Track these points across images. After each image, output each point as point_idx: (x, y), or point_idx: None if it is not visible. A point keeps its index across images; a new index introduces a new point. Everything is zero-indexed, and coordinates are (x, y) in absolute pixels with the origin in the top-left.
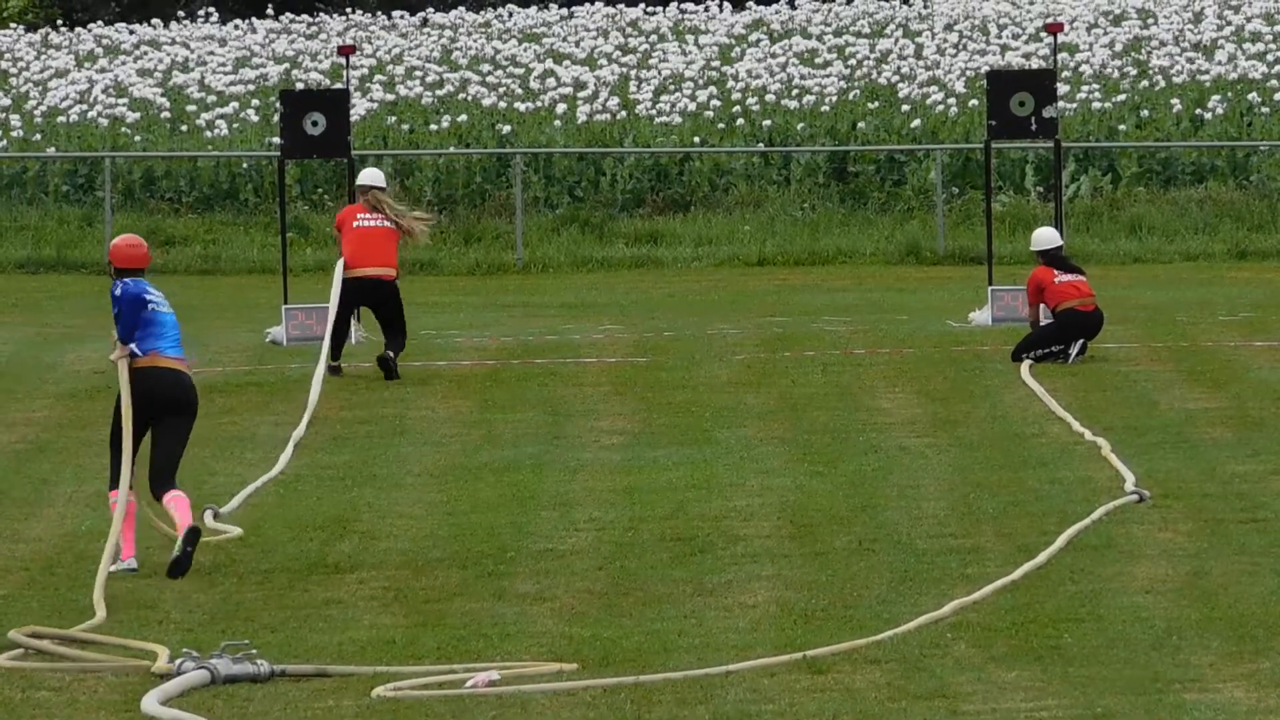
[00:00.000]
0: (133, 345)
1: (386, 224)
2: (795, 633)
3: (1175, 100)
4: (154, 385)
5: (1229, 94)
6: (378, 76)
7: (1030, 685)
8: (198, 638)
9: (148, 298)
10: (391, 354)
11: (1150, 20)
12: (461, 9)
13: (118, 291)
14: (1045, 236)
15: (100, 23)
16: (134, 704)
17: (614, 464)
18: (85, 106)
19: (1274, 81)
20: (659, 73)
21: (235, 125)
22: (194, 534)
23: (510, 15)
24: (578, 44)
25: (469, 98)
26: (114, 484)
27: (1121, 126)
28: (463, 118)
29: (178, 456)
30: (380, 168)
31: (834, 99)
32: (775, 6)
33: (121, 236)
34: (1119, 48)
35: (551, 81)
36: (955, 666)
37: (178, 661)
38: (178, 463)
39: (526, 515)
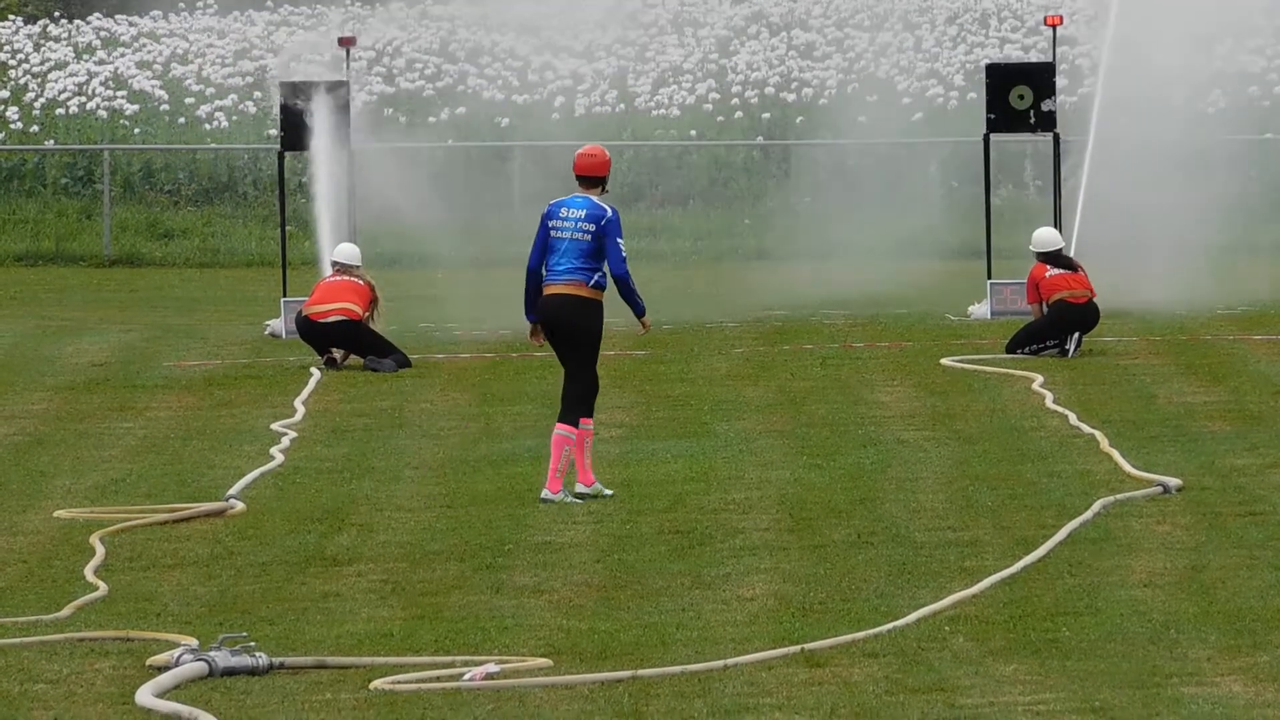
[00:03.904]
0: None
1: (355, 280)
2: (793, 626)
3: (1178, 94)
4: (546, 313)
5: (1229, 87)
6: (376, 68)
7: (1028, 679)
8: (196, 630)
9: (551, 225)
10: (387, 364)
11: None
12: (460, 0)
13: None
14: (1045, 238)
15: (99, 15)
16: (131, 696)
17: (612, 457)
18: (84, 99)
19: (1273, 75)
20: (658, 65)
21: (234, 118)
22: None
23: (509, 7)
24: (576, 36)
25: (468, 90)
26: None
27: (1123, 119)
28: (461, 110)
29: (579, 383)
30: (379, 160)
31: (833, 92)
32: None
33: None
34: (1119, 41)
35: (550, 74)
36: (953, 660)
37: (176, 654)
38: (580, 388)
39: (524, 508)
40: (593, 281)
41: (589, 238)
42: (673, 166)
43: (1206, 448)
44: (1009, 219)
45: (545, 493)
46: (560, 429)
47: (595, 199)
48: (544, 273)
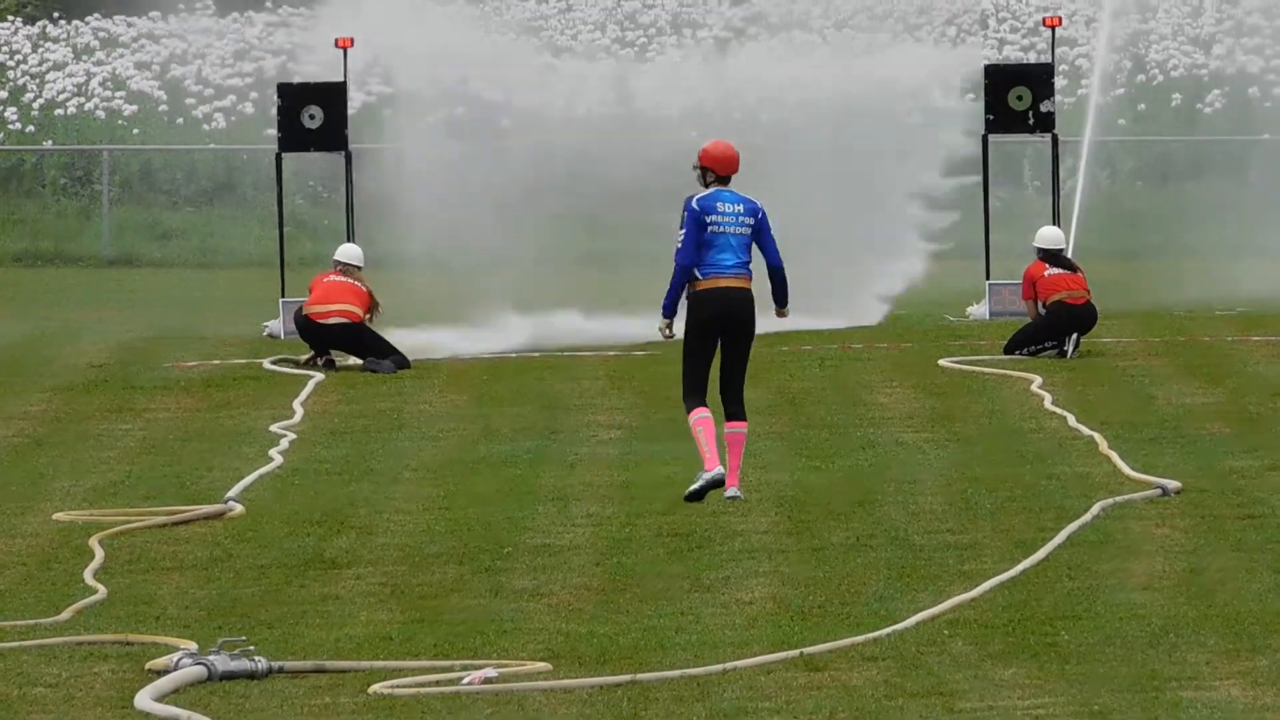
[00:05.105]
0: (695, 270)
1: (356, 282)
2: (792, 629)
3: (1176, 94)
4: (720, 306)
5: (1227, 88)
6: (375, 69)
7: (1027, 682)
8: (195, 633)
9: (708, 220)
10: (386, 365)
11: (1149, 15)
12: (460, 1)
13: (690, 208)
14: (1050, 235)
15: (97, 15)
16: (130, 700)
17: (611, 459)
18: (82, 99)
19: (1272, 75)
20: (657, 66)
21: (232, 118)
22: (717, 481)
23: (508, 8)
24: (575, 37)
25: (466, 91)
26: (689, 405)
27: (1121, 121)
28: (460, 110)
29: (741, 376)
30: (377, 162)
31: (832, 92)
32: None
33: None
34: (1118, 42)
35: (549, 74)
36: (952, 664)
37: (175, 657)
38: (742, 382)
39: (523, 510)
40: (751, 276)
41: (749, 231)
42: (672, 166)
43: (1205, 450)
44: (1007, 219)
45: (733, 490)
46: (737, 426)
47: (740, 193)
48: (699, 272)
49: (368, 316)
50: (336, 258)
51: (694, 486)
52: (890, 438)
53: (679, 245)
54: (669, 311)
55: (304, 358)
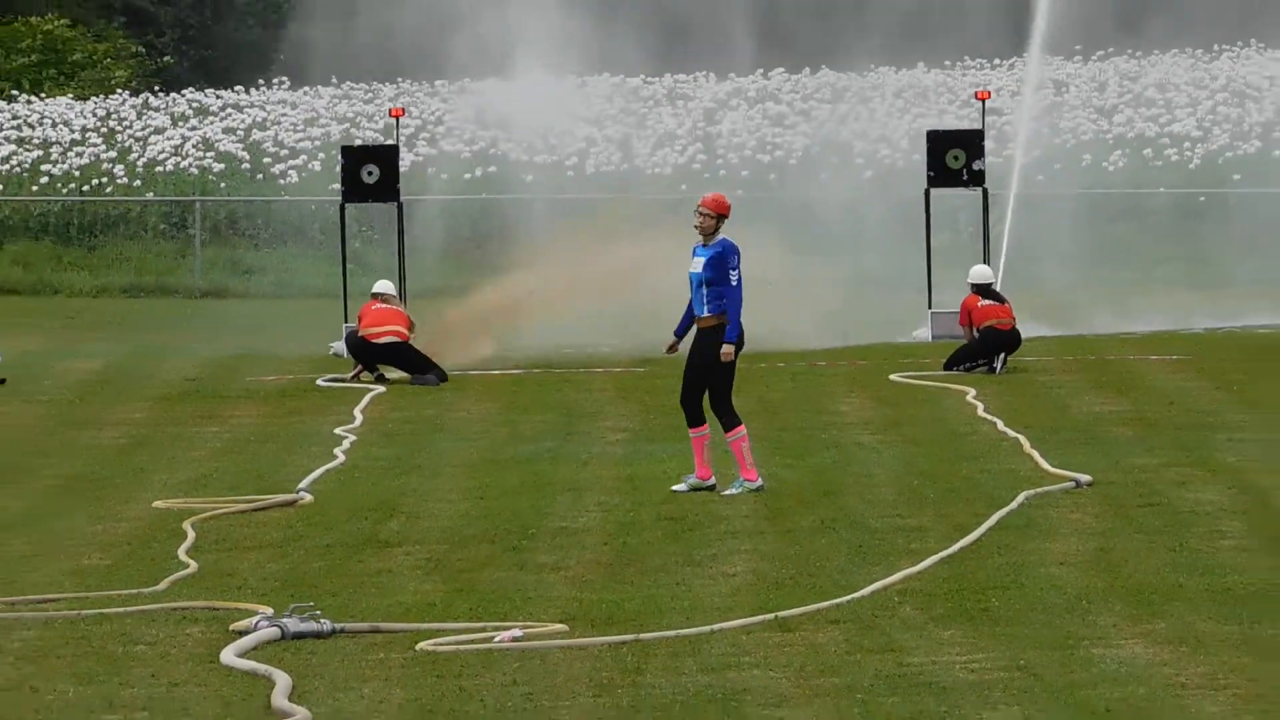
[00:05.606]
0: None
1: (398, 307)
2: (768, 597)
3: (1086, 155)
4: (743, 336)
5: (1127, 150)
6: (423, 134)
7: (964, 641)
8: (271, 601)
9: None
10: (430, 379)
11: (1063, 89)
12: (493, 79)
13: (737, 250)
14: (980, 272)
15: (192, 89)
16: (216, 657)
17: (618, 457)
18: (178, 159)
19: (1164, 139)
20: (655, 131)
21: (304, 174)
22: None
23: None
24: (588, 107)
25: (497, 152)
26: (737, 420)
27: (1040, 177)
28: (493, 169)
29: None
30: (422, 211)
31: (800, 154)
32: (751, 77)
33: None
34: (1037, 111)
35: (567, 138)
36: (901, 626)
37: (254, 620)
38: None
39: (544, 499)
40: None
41: None
42: (665, 215)
43: (1113, 449)
44: (946, 259)
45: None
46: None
47: None
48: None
49: (413, 336)
50: (376, 290)
51: (733, 491)
52: (850, 439)
53: (733, 284)
54: (736, 336)
55: (350, 374)
